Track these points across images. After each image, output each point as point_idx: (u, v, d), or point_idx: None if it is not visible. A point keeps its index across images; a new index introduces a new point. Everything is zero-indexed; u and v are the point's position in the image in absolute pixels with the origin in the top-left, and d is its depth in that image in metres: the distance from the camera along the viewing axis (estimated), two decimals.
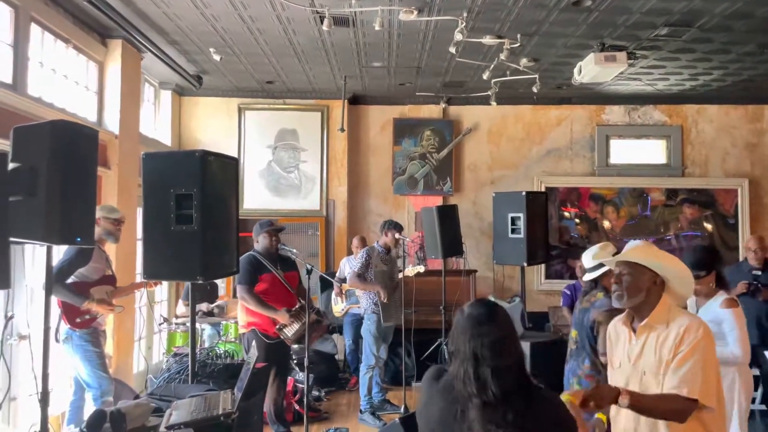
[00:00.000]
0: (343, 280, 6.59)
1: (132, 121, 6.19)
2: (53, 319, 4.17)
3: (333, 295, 6.99)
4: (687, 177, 8.41)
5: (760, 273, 5.13)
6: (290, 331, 4.67)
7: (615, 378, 2.49)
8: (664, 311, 2.35)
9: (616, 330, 2.53)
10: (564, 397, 2.02)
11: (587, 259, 3.69)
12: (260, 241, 4.94)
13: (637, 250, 2.44)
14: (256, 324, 4.81)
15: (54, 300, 4.22)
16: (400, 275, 5.97)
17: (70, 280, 4.29)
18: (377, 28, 4.97)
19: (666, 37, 5.74)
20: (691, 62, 6.64)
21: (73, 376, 4.53)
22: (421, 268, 6.18)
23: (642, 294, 2.36)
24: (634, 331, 2.41)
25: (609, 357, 2.59)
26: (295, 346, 6.89)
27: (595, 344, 3.60)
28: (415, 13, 5.02)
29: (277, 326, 4.75)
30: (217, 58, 6.39)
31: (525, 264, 6.37)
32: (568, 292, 6.29)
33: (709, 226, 8.27)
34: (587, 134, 8.49)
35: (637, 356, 2.38)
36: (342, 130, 7.81)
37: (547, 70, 6.86)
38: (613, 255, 3.60)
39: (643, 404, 2.21)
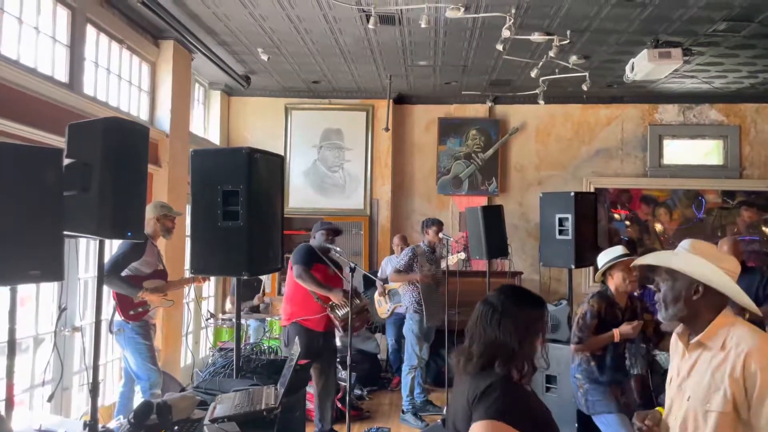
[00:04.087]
0: (386, 281, 6.58)
1: (182, 121, 6.32)
2: (107, 311, 4.30)
3: (376, 296, 6.98)
4: (745, 179, 8.07)
5: None
6: (341, 311, 4.73)
7: (668, 396, 2.17)
8: (722, 326, 1.93)
9: (676, 341, 2.17)
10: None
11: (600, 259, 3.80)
12: (317, 237, 4.99)
13: (672, 252, 2.08)
14: (299, 316, 4.82)
15: (109, 292, 4.35)
16: (443, 268, 5.94)
17: (124, 274, 4.41)
18: (423, 25, 4.93)
19: (724, 33, 5.51)
20: (751, 59, 6.36)
21: (124, 368, 4.65)
22: (463, 255, 6.13)
23: (681, 305, 1.98)
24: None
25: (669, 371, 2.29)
26: (339, 344, 6.93)
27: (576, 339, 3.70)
28: (462, 10, 4.96)
29: (330, 304, 4.78)
30: (264, 58, 6.47)
31: (573, 266, 6.20)
32: None
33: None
34: (639, 134, 8.24)
35: (684, 377, 2.02)
36: (387, 129, 7.80)
37: (598, 67, 6.69)
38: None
39: None
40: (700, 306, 1.97)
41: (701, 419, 1.91)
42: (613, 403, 3.62)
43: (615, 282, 3.75)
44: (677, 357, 2.11)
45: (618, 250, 3.80)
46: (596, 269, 3.90)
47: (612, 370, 3.69)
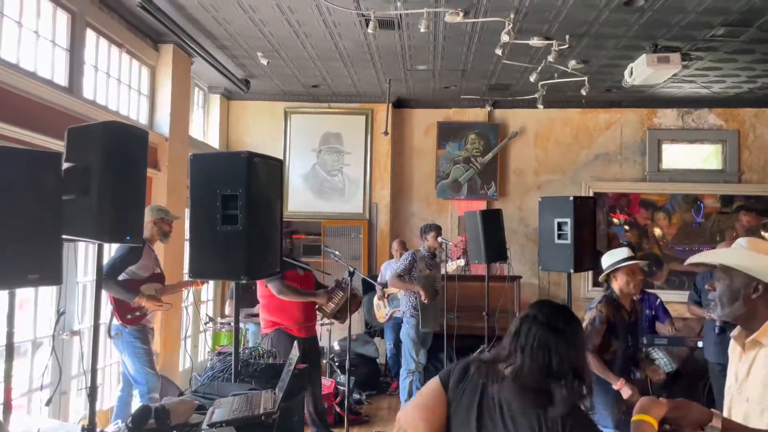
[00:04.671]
0: (385, 285, 6.58)
1: (182, 124, 6.33)
2: (105, 316, 4.29)
3: (375, 300, 6.98)
4: (744, 183, 8.08)
5: None
6: (328, 308, 4.78)
7: (727, 400, 2.09)
8: None
9: (734, 345, 2.10)
10: (637, 417, 1.73)
11: (605, 260, 3.80)
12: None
13: (729, 249, 2.02)
14: (279, 323, 4.73)
15: (106, 296, 4.34)
16: (443, 273, 5.95)
17: (121, 277, 4.40)
18: (422, 30, 4.94)
19: (723, 38, 5.53)
20: (750, 64, 6.37)
21: (122, 372, 4.64)
22: (462, 262, 6.14)
23: (739, 303, 1.93)
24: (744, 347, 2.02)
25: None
26: (337, 348, 6.92)
27: None
28: (461, 14, 4.97)
29: (316, 306, 4.80)
30: (264, 62, 6.48)
31: (572, 271, 6.19)
32: None
33: (766, 235, 7.91)
34: (638, 138, 8.25)
35: (743, 378, 1.95)
36: (386, 133, 7.81)
37: (597, 72, 6.70)
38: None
39: None
40: (759, 305, 1.91)
41: (758, 418, 1.85)
42: (611, 417, 3.58)
43: (619, 284, 3.74)
44: (735, 360, 2.06)
45: (623, 252, 3.79)
46: (596, 272, 3.90)
47: (620, 373, 3.65)
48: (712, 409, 1.71)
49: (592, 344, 3.58)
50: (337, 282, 4.86)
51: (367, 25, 5.01)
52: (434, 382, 1.96)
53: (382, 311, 6.89)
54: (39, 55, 4.39)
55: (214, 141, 7.93)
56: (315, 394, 5.01)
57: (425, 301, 5.68)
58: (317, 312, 4.83)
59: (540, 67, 6.20)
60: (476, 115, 8.35)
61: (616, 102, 8.15)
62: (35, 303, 4.28)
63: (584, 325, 3.72)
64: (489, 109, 8.28)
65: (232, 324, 3.92)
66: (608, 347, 3.66)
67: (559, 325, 1.80)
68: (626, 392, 3.54)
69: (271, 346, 4.63)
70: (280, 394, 2.94)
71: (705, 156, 8.30)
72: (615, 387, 3.57)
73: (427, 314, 5.78)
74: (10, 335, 2.42)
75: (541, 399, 1.73)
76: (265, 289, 4.70)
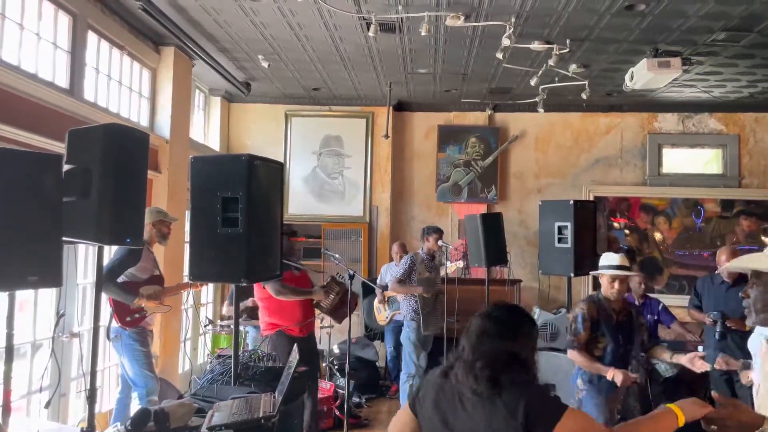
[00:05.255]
0: (385, 288, 6.57)
1: (182, 127, 6.33)
2: (105, 318, 4.29)
3: (375, 303, 6.97)
4: (744, 188, 8.07)
5: None
6: (326, 304, 4.80)
7: (758, 403, 2.07)
8: None
9: (765, 346, 2.08)
10: (668, 405, 1.73)
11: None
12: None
13: (762, 254, 1.97)
14: (279, 325, 4.72)
15: (105, 299, 4.33)
16: (443, 274, 5.95)
17: (120, 280, 4.40)
18: (423, 33, 4.94)
19: (723, 42, 5.53)
20: (750, 68, 6.38)
21: (120, 375, 4.64)
22: (461, 263, 6.15)
23: None
24: None
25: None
26: (337, 351, 6.91)
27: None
28: (462, 18, 4.98)
29: (314, 302, 4.80)
30: (265, 65, 6.49)
31: (572, 274, 6.20)
32: None
33: (767, 240, 7.91)
34: (638, 143, 8.26)
35: None
36: (386, 136, 7.81)
37: (598, 76, 6.71)
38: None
39: None
40: None
41: None
42: (603, 416, 3.59)
43: (603, 286, 3.86)
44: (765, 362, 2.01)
45: (614, 259, 3.84)
46: (596, 276, 3.96)
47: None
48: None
49: (578, 340, 3.72)
50: (332, 277, 4.89)
51: (368, 29, 5.02)
52: (403, 407, 2.12)
53: (382, 314, 6.88)
54: (40, 57, 4.40)
55: (214, 143, 7.94)
56: (311, 399, 4.97)
57: (426, 295, 5.68)
58: (315, 309, 4.83)
59: (541, 71, 6.21)
60: (477, 118, 8.35)
61: (616, 106, 8.16)
62: (35, 305, 4.28)
63: (569, 323, 3.78)
64: (489, 112, 8.29)
65: (232, 327, 3.92)
66: (597, 343, 3.73)
67: (501, 316, 1.96)
68: (619, 378, 3.54)
69: (271, 349, 4.63)
70: (280, 398, 2.93)
71: (705, 160, 8.30)
72: (608, 376, 3.58)
73: (429, 317, 5.77)
74: (9, 337, 2.42)
75: (493, 386, 1.84)
76: (262, 290, 4.69)
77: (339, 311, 4.87)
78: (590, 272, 3.82)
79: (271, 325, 4.74)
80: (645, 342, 3.87)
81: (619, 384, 3.56)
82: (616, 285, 3.76)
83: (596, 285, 7.96)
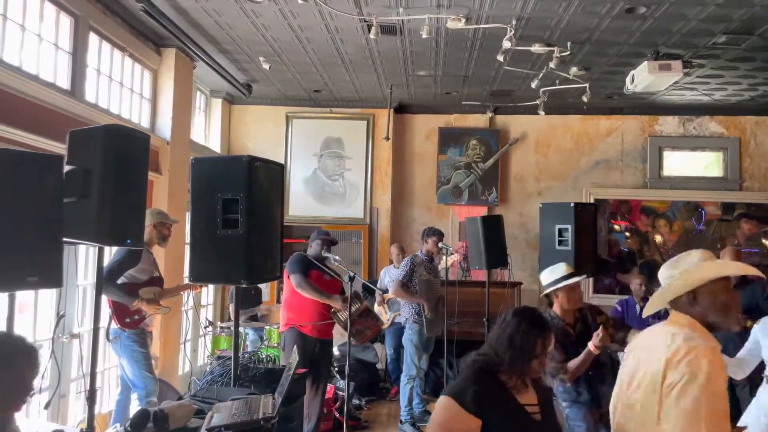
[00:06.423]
0: (385, 291, 6.56)
1: (183, 128, 6.34)
2: (104, 319, 4.29)
3: (375, 306, 6.96)
4: (745, 191, 8.07)
5: None
6: (343, 316, 4.75)
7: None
8: None
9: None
10: None
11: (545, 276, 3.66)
12: (313, 247, 5.01)
13: None
14: (294, 321, 4.83)
15: (105, 300, 4.33)
16: (442, 266, 5.95)
17: (119, 281, 4.40)
18: (424, 36, 4.95)
19: (724, 45, 5.54)
20: (751, 71, 6.38)
21: (120, 376, 4.63)
22: (456, 256, 6.13)
23: None
24: None
25: None
26: (337, 353, 6.90)
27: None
28: (463, 21, 4.98)
29: (332, 311, 4.81)
30: (266, 66, 6.50)
31: None
32: (620, 308, 6.11)
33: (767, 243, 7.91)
34: (639, 145, 8.26)
35: None
36: (387, 138, 7.82)
37: (598, 79, 6.71)
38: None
39: None
40: None
41: None
42: (585, 425, 3.49)
43: (560, 302, 3.62)
44: None
45: (561, 269, 3.63)
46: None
47: (587, 384, 3.55)
48: None
49: (558, 362, 3.44)
50: (356, 293, 4.85)
51: (369, 31, 5.02)
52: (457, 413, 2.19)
53: (383, 317, 6.88)
54: (42, 59, 4.40)
55: (215, 145, 7.94)
56: (317, 402, 4.95)
57: (429, 316, 5.71)
58: (332, 318, 4.84)
59: (541, 74, 6.21)
60: (477, 120, 8.36)
61: (617, 109, 8.16)
62: (35, 306, 4.28)
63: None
64: (490, 115, 8.29)
65: (232, 328, 3.93)
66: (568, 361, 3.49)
67: (507, 317, 2.37)
68: (594, 343, 3.35)
69: (283, 344, 4.70)
70: (280, 399, 2.93)
71: (706, 163, 8.30)
72: (592, 350, 3.36)
73: (432, 319, 5.78)
74: None
75: None
76: (289, 283, 4.84)
77: (359, 331, 4.86)
78: (545, 290, 3.57)
79: (288, 320, 4.87)
80: (613, 335, 3.62)
81: (593, 350, 3.35)
82: (578, 290, 3.59)
83: (597, 289, 7.99)
